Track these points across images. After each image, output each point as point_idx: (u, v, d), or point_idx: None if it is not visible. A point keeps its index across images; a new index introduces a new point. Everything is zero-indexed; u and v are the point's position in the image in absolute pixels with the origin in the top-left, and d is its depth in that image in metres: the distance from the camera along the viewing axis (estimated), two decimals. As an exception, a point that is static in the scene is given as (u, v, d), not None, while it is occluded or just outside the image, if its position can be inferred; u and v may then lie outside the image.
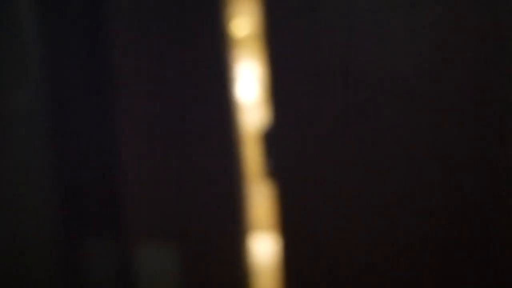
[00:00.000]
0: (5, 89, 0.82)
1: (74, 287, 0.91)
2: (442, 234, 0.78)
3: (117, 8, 0.88)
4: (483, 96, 0.74)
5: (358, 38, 0.78)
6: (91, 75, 0.91)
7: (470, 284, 0.78)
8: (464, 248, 0.78)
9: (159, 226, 0.93)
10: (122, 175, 0.92)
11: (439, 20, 0.74)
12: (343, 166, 0.82)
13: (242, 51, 0.88)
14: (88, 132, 0.92)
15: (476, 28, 0.73)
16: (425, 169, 0.78)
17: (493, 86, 0.74)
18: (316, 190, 0.84)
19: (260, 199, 0.91)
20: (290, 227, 0.86)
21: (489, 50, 0.72)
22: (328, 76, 0.80)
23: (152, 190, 0.92)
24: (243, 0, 0.86)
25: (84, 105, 0.91)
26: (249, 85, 0.90)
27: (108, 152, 0.91)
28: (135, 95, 0.91)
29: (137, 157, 0.92)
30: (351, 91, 0.80)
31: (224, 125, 0.87)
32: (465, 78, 0.74)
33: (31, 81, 0.82)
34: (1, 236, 0.86)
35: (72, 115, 0.91)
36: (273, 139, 0.88)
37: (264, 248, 0.92)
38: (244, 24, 0.87)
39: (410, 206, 0.79)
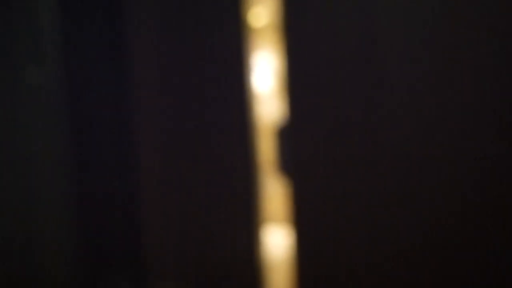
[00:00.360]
0: (20, 65, 0.82)
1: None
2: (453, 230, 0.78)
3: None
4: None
5: (377, 31, 0.77)
6: (107, 56, 0.91)
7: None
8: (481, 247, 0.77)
9: (176, 264, 0.94)
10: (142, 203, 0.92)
11: (459, 20, 0.73)
12: (356, 161, 0.81)
13: (259, 41, 0.87)
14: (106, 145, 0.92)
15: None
16: (439, 160, 0.77)
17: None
18: (329, 185, 0.83)
19: (274, 191, 0.91)
20: (303, 220, 0.86)
21: (489, 51, 0.72)
22: (345, 70, 0.80)
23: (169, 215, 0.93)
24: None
25: (100, 93, 0.92)
26: (265, 76, 0.90)
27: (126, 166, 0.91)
28: (150, 88, 0.91)
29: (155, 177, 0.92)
30: (368, 85, 0.79)
31: (240, 116, 0.87)
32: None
33: (45, 58, 0.82)
34: (22, 270, 0.86)
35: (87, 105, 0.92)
36: (287, 135, 0.88)
37: (277, 240, 0.91)
38: (262, 14, 0.87)
39: (423, 203, 0.79)
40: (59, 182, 0.84)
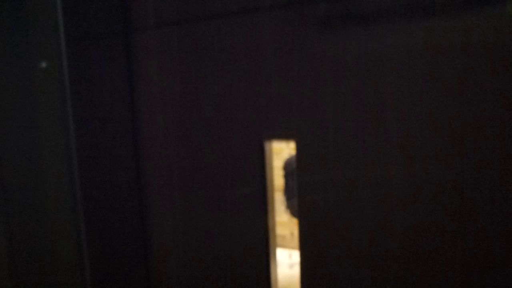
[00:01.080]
0: (24, 58, 0.82)
1: None
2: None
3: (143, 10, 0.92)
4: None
5: (380, 67, 0.79)
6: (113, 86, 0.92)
7: None
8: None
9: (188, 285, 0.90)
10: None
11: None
12: (358, 184, 0.82)
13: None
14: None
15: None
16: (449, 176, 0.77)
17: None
18: (333, 213, 0.84)
19: (284, 215, 0.88)
20: (310, 245, 0.85)
21: (488, 54, 0.73)
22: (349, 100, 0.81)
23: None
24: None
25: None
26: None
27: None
28: (158, 103, 0.91)
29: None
30: (373, 116, 0.80)
31: (253, 139, 0.86)
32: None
33: (48, 51, 0.82)
34: (27, 272, 0.83)
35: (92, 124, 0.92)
36: (295, 173, 0.88)
37: (287, 261, 0.88)
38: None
39: (421, 231, 0.79)
40: (62, 184, 0.83)
